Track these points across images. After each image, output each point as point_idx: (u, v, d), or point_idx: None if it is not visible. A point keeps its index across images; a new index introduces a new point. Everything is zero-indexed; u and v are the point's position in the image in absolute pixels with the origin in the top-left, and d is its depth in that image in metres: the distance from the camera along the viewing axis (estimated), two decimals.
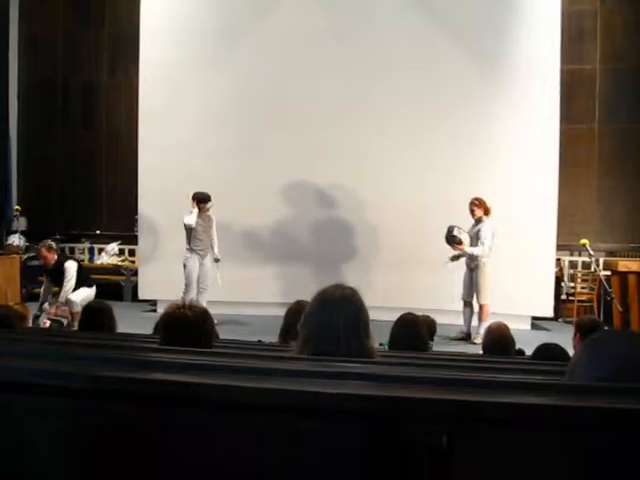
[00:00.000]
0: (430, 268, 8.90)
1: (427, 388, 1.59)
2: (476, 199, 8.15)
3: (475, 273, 8.13)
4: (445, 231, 8.11)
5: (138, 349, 2.61)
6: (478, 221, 8.15)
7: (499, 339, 4.19)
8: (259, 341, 4.80)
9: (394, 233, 9.44)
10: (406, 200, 9.35)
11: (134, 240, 10.78)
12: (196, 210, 8.53)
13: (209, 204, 8.59)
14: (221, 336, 4.07)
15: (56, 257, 7.84)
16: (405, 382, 1.65)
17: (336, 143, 9.50)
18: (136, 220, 10.51)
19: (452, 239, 8.04)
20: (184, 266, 8.61)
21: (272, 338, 4.54)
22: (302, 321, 2.42)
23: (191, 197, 8.60)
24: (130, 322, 6.70)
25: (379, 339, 4.04)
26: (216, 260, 8.77)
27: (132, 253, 11.63)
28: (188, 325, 2.75)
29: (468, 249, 8.03)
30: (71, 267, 7.78)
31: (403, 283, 9.34)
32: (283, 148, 9.62)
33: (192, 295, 8.33)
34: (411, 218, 9.32)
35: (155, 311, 9.70)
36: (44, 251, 7.82)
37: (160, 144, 9.78)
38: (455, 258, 8.29)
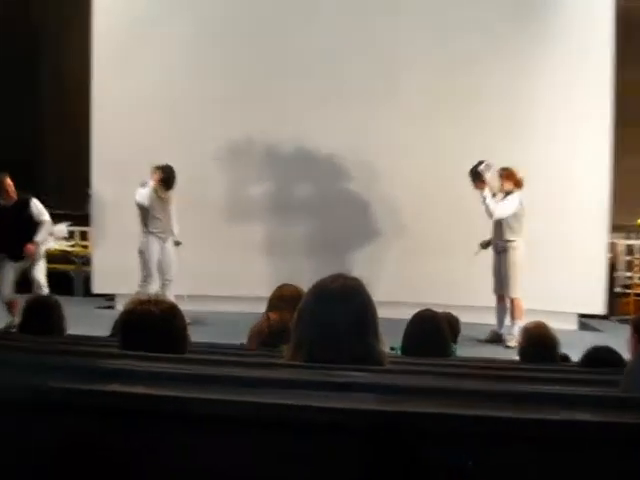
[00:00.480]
0: (454, 255, 8.92)
1: (449, 402, 1.60)
2: (504, 169, 8.14)
3: (503, 259, 8.15)
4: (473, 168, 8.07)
5: (93, 355, 2.62)
6: (507, 195, 8.16)
7: (538, 342, 4.21)
8: (242, 344, 4.82)
9: (411, 213, 9.46)
10: (425, 172, 9.35)
11: (86, 220, 10.77)
12: (151, 184, 8.54)
13: (170, 192, 8.64)
14: (195, 339, 4.09)
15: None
16: (422, 395, 1.67)
17: (338, 98, 9.47)
18: (89, 195, 10.49)
19: (475, 174, 8.00)
20: (140, 253, 8.66)
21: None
22: (294, 320, 2.44)
23: (154, 168, 8.58)
24: (82, 321, 6.70)
25: (390, 342, 4.06)
26: (177, 244, 8.83)
27: (84, 236, 11.63)
28: (154, 324, 2.75)
29: (488, 197, 8.02)
30: (38, 202, 8.23)
31: (420, 273, 9.37)
32: (271, 104, 9.60)
33: (152, 288, 8.36)
34: (432, 194, 9.32)
35: (113, 308, 9.72)
36: (7, 180, 8.05)
37: (118, 98, 9.76)
38: (486, 245, 8.33)
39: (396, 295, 8.54)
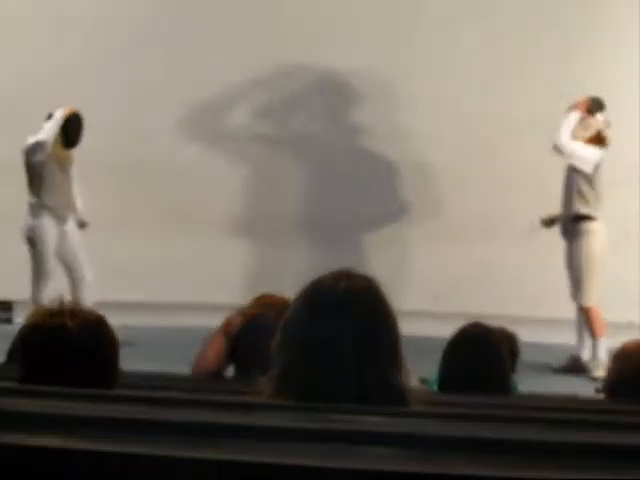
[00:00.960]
0: (509, 245, 9.01)
1: (507, 460, 1.60)
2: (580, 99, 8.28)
3: (574, 246, 8.19)
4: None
5: None
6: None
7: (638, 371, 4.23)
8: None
9: (448, 184, 9.59)
10: (470, 129, 9.52)
11: None
12: (55, 122, 8.51)
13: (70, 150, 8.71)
14: (137, 366, 4.09)
15: None
16: (466, 450, 1.67)
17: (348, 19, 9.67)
18: None
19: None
20: (28, 239, 8.55)
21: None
22: (277, 339, 2.44)
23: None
24: None
25: (418, 372, 4.06)
26: (81, 225, 8.86)
27: None
28: (70, 346, 2.76)
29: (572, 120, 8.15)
30: None
31: (463, 270, 9.45)
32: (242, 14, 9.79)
33: (44, 290, 8.36)
34: (479, 158, 9.48)
35: (10, 321, 9.74)
36: None
37: (17, 17, 9.89)
38: (550, 222, 8.43)
39: (428, 302, 8.60)
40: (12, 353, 4.56)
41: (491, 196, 9.41)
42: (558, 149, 8.09)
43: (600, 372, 7.68)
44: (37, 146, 8.43)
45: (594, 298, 8.12)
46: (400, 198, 9.88)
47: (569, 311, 8.45)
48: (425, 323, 7.49)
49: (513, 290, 9.10)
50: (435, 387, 4.20)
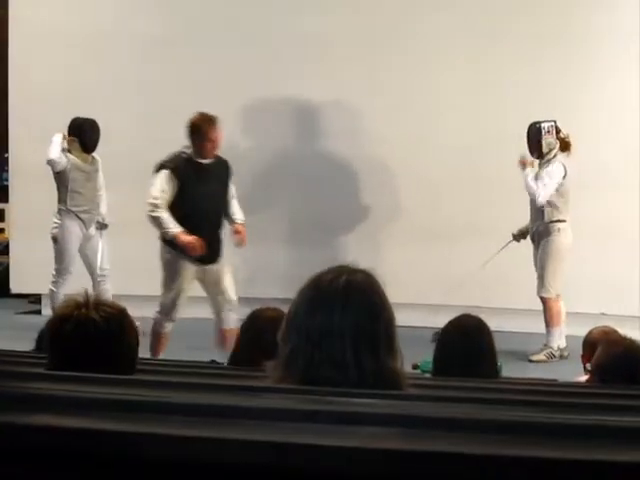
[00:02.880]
0: (487, 242, 8.96)
1: (495, 439, 1.60)
2: (546, 123, 8.23)
3: (543, 246, 8.25)
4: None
5: (10, 376, 2.62)
6: (547, 158, 8.25)
7: (616, 356, 4.24)
8: (212, 361, 4.84)
9: (430, 186, 9.55)
10: (447, 133, 9.47)
11: (3, 195, 10.77)
12: (58, 139, 8.49)
13: (91, 155, 8.65)
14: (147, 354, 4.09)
15: None
16: (456, 429, 1.67)
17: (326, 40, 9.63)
18: (6, 161, 10.48)
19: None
20: (54, 240, 8.61)
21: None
22: (282, 329, 2.45)
23: (68, 129, 8.58)
24: None
25: (411, 358, 4.07)
26: (102, 227, 8.81)
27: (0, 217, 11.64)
28: (95, 335, 2.76)
29: (530, 175, 8.15)
30: None
31: (442, 266, 9.43)
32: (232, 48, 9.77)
33: (64, 286, 8.36)
34: (457, 161, 9.45)
35: (39, 312, 9.74)
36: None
37: (45, 30, 9.87)
38: (521, 235, 8.46)
39: (412, 295, 8.59)
40: (40, 342, 4.58)
41: (460, 199, 9.40)
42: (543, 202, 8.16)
43: (540, 357, 8.15)
44: (49, 163, 8.51)
45: (554, 292, 8.22)
46: (372, 200, 9.88)
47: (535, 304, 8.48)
48: (410, 314, 7.45)
49: (497, 281, 9.06)
50: (425, 372, 4.21)
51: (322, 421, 1.66)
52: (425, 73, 9.58)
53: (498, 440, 1.61)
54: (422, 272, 9.45)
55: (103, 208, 8.80)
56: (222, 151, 7.52)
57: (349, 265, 2.47)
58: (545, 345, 8.23)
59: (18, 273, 10.20)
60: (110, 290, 8.48)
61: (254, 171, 9.85)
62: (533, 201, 8.22)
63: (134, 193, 9.74)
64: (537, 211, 8.24)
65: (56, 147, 8.47)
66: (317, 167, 9.89)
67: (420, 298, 8.97)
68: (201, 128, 7.09)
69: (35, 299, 10.25)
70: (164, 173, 7.06)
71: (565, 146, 8.26)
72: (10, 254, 10.42)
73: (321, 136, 9.96)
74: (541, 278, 8.22)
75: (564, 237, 8.19)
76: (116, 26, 9.86)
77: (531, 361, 8.12)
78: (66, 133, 8.55)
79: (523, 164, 8.23)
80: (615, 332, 4.93)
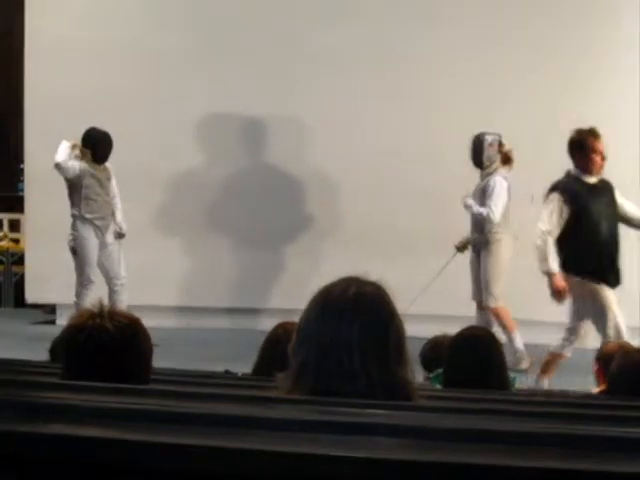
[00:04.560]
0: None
1: (506, 450, 1.60)
2: (489, 136, 8.23)
3: (483, 256, 8.29)
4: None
5: (26, 385, 2.63)
6: (488, 171, 8.26)
7: (631, 367, 4.23)
8: (227, 372, 4.84)
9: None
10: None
11: (18, 205, 10.79)
12: (66, 144, 8.52)
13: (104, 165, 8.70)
14: (163, 364, 4.10)
15: None
16: (470, 440, 1.67)
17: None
18: (22, 171, 10.51)
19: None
20: (73, 252, 8.62)
21: (245, 367, 4.57)
22: (293, 341, 2.46)
23: (82, 139, 8.62)
24: (13, 341, 6.74)
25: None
26: (120, 235, 8.81)
27: (15, 227, 11.66)
28: (109, 346, 2.77)
29: (473, 205, 8.16)
30: None
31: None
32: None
33: (88, 297, 8.29)
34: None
35: (54, 323, 9.76)
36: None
37: (61, 42, 9.94)
38: (463, 247, 8.49)
39: None
40: (54, 352, 4.59)
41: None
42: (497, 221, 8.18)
43: (527, 363, 8.06)
44: (56, 167, 8.53)
45: (500, 300, 8.24)
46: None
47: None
48: None
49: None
50: (437, 384, 4.20)
51: (333, 431, 1.66)
52: (418, 82, 9.71)
53: (509, 451, 1.61)
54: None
55: (119, 216, 8.81)
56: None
57: (359, 277, 2.48)
58: (516, 351, 8.19)
59: (33, 283, 10.23)
60: (126, 300, 8.46)
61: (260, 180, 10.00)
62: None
63: (147, 202, 9.86)
64: (476, 223, 8.29)
65: (62, 152, 8.49)
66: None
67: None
68: (585, 142, 7.04)
69: (50, 309, 10.27)
70: (554, 196, 7.01)
71: (507, 160, 8.27)
72: (25, 264, 10.44)
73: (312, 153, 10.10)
74: (486, 289, 8.25)
75: (504, 248, 8.22)
76: (131, 38, 9.94)
77: (522, 370, 7.93)
78: (79, 143, 8.58)
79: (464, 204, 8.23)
80: (630, 345, 4.93)
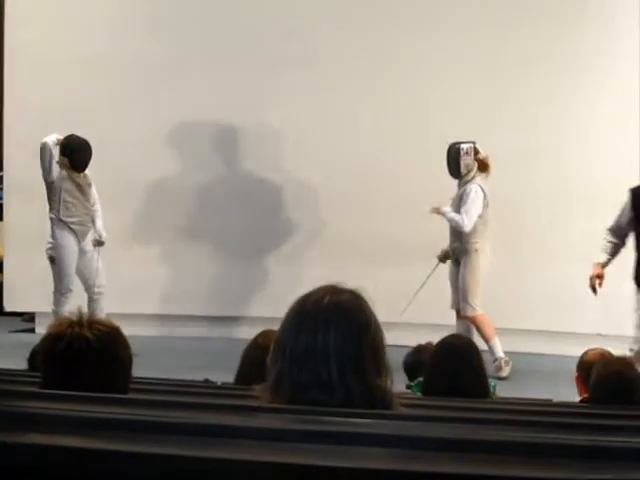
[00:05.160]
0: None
1: (490, 459, 1.60)
2: (465, 144, 8.28)
3: (462, 266, 8.34)
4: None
5: (5, 394, 2.61)
6: (465, 179, 8.31)
7: (611, 376, 4.24)
8: (206, 380, 4.83)
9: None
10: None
11: None
12: (54, 136, 8.47)
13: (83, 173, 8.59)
14: (143, 373, 4.09)
15: None
16: (450, 449, 1.67)
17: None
18: (0, 179, 10.47)
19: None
20: (51, 260, 8.54)
21: (225, 376, 4.55)
22: (271, 351, 2.46)
23: (60, 147, 8.50)
24: None
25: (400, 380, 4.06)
26: (99, 243, 8.70)
27: None
28: (88, 354, 2.76)
29: (447, 211, 8.25)
30: None
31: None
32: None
33: (67, 305, 8.23)
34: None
35: (32, 331, 9.72)
36: None
37: (40, 52, 9.92)
38: (445, 257, 8.48)
39: None
40: (33, 360, 4.57)
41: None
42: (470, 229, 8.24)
43: (506, 371, 8.18)
44: (42, 148, 8.47)
45: (479, 308, 8.29)
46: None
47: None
48: None
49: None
50: (418, 392, 4.21)
51: (313, 441, 1.65)
52: (400, 91, 9.70)
53: (488, 460, 1.61)
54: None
55: (99, 223, 8.71)
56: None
57: (335, 285, 2.47)
58: (496, 359, 8.25)
59: (11, 291, 10.17)
60: (104, 308, 8.41)
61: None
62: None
63: (125, 210, 9.84)
64: (455, 232, 8.34)
65: (51, 137, 8.44)
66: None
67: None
68: None
69: (29, 317, 10.22)
70: (626, 196, 7.04)
71: (484, 167, 8.32)
72: (4, 272, 10.39)
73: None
74: (464, 299, 8.30)
75: (482, 257, 8.27)
76: (112, 48, 9.90)
77: (502, 378, 8.01)
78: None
79: (436, 211, 8.28)
80: (610, 353, 4.94)
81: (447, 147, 8.33)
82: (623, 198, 7.08)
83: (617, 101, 9.27)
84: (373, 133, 9.71)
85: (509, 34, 9.49)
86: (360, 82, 9.73)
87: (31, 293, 9.75)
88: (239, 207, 10.07)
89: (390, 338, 2.54)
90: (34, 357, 4.48)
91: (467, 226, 8.18)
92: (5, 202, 10.28)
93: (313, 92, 9.77)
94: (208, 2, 10.05)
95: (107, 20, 10.12)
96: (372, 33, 9.73)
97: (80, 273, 8.61)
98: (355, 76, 9.76)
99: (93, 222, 8.69)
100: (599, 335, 8.35)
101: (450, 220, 8.25)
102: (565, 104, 9.36)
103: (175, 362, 8.01)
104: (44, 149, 8.42)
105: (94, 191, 8.71)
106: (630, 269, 7.79)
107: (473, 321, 8.33)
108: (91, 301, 8.55)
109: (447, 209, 8.26)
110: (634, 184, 7.33)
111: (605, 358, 4.72)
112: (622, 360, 4.47)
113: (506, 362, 8.28)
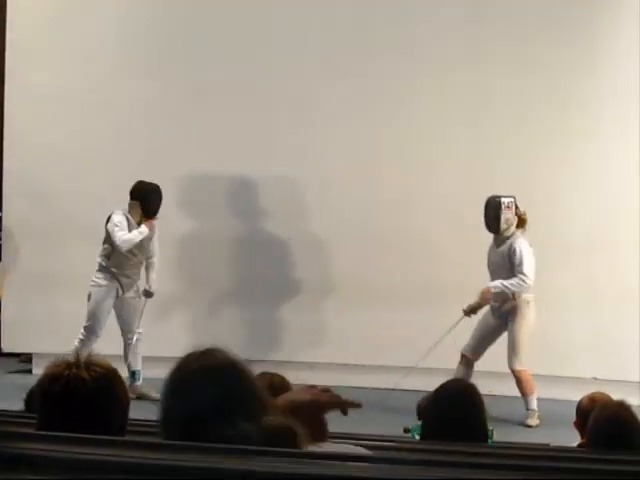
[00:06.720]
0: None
1: None
2: (506, 199, 8.23)
3: (510, 321, 8.27)
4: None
5: (1, 435, 2.60)
6: (505, 234, 8.26)
7: (608, 420, 4.23)
8: None
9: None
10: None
11: None
12: (143, 230, 8.42)
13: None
14: (144, 415, 4.08)
15: None
16: None
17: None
18: None
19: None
20: (88, 297, 8.57)
21: None
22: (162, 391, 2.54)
23: (130, 192, 8.51)
24: None
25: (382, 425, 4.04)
26: (147, 294, 8.72)
27: None
28: (85, 396, 2.74)
29: (496, 285, 8.17)
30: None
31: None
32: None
33: (88, 347, 8.20)
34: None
35: (30, 372, 9.69)
36: None
37: (43, 89, 9.96)
38: (472, 311, 8.35)
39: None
40: (29, 401, 4.56)
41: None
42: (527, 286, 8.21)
43: (535, 421, 8.21)
44: (123, 243, 8.40)
45: (525, 363, 8.30)
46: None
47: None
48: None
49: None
50: (417, 436, 4.19)
51: None
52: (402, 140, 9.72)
53: None
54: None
55: (153, 275, 8.73)
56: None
57: (211, 348, 2.55)
58: (532, 410, 8.24)
59: (9, 332, 10.13)
60: (139, 352, 8.57)
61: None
62: (495, 274, 8.26)
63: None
64: (500, 293, 8.24)
65: (135, 235, 8.42)
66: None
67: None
68: None
69: (26, 358, 10.19)
70: None
71: (522, 223, 8.31)
72: (2, 313, 10.37)
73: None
74: (514, 351, 8.25)
75: (532, 310, 8.26)
76: (114, 88, 9.92)
77: (529, 426, 8.14)
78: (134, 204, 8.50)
79: (487, 295, 8.22)
80: (608, 397, 4.93)
81: (485, 201, 8.25)
82: None
83: None
84: (384, 180, 9.65)
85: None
86: (379, 130, 9.69)
87: (28, 334, 9.73)
88: (244, 254, 10.05)
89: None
90: (31, 398, 4.47)
91: (530, 284, 8.13)
92: (4, 242, 10.28)
93: (326, 140, 9.74)
94: (213, 41, 10.00)
95: (114, 61, 10.09)
96: (373, 81, 9.70)
97: (120, 318, 8.66)
98: (362, 124, 9.71)
99: (148, 271, 8.71)
100: (595, 379, 8.38)
101: (510, 290, 8.16)
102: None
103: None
104: (128, 243, 8.39)
105: (156, 242, 8.69)
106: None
107: (517, 375, 8.26)
108: (126, 345, 8.60)
109: (493, 284, 8.19)
110: None
111: (602, 402, 4.71)
112: (619, 403, 4.46)
113: (539, 415, 8.25)
